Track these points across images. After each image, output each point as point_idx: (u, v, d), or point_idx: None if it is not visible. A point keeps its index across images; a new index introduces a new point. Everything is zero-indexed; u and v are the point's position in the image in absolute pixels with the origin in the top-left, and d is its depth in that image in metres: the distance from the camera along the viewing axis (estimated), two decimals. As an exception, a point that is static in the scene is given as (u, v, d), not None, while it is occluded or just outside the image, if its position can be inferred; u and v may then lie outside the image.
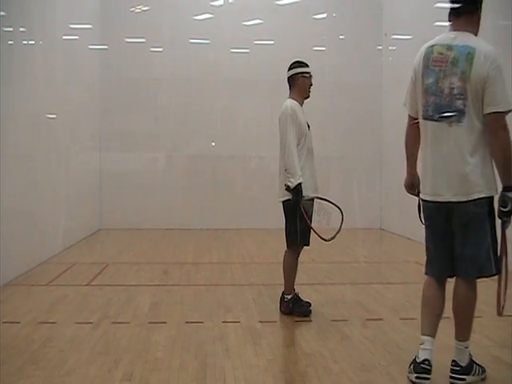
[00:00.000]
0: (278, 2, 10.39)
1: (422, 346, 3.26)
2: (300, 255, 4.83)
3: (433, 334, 3.28)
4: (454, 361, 3.29)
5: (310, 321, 4.60)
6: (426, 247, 3.44)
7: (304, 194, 4.51)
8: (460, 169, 3.16)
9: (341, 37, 10.31)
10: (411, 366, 3.28)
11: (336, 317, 4.69)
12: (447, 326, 3.42)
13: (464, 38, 3.20)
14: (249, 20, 10.25)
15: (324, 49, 10.25)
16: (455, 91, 3.15)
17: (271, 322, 4.56)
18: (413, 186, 3.51)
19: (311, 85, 4.78)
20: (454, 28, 3.28)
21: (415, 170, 3.49)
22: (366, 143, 10.29)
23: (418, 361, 3.24)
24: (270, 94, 9.52)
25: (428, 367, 3.21)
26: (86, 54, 9.32)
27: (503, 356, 3.76)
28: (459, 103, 3.15)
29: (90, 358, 3.72)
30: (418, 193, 3.47)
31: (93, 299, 5.28)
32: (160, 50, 10.13)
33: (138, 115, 10.17)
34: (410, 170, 3.53)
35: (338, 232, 4.71)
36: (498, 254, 3.24)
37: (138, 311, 4.86)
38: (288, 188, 4.50)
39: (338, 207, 4.73)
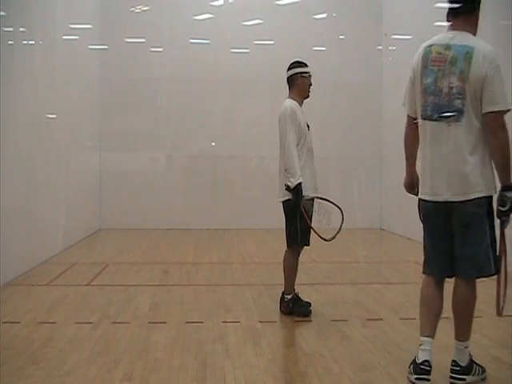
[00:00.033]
0: (277, 2, 10.39)
1: (421, 347, 3.25)
2: (300, 255, 4.83)
3: (432, 335, 3.28)
4: (454, 361, 3.29)
5: (310, 321, 4.60)
6: (424, 247, 3.43)
7: (304, 193, 4.51)
8: (459, 168, 3.16)
9: (341, 37, 10.30)
10: (411, 367, 3.28)
11: (336, 317, 4.69)
12: (447, 326, 3.42)
13: (462, 38, 3.21)
14: (249, 20, 10.25)
15: (324, 49, 10.25)
16: (454, 91, 3.15)
17: (271, 322, 4.56)
18: (412, 186, 3.51)
19: (311, 85, 4.77)
20: (453, 28, 3.28)
21: (414, 170, 3.49)
22: (365, 143, 10.29)
23: (417, 362, 3.23)
24: (269, 94, 9.52)
25: (428, 368, 3.21)
26: (86, 54, 9.32)
27: (503, 356, 3.76)
28: (458, 103, 3.15)
29: (90, 358, 3.72)
30: (418, 192, 3.47)
31: (93, 299, 5.28)
32: (160, 50, 10.13)
33: (138, 115, 10.17)
34: (410, 170, 3.53)
35: (338, 232, 4.71)
36: (497, 253, 3.24)
37: (138, 311, 4.86)
38: (288, 188, 4.51)
39: (339, 207, 4.73)
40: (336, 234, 4.70)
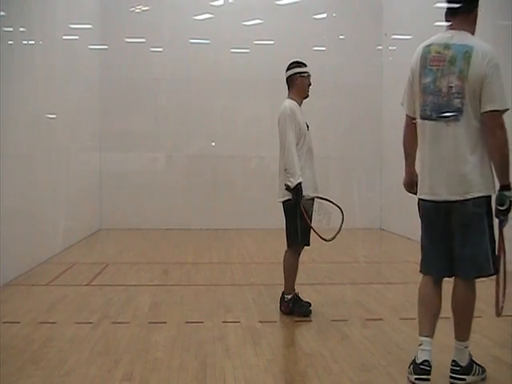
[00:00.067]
0: (277, 2, 10.39)
1: (420, 347, 3.25)
2: (300, 255, 4.83)
3: (431, 335, 3.28)
4: (453, 361, 3.28)
5: (310, 321, 4.60)
6: (422, 246, 3.43)
7: (304, 193, 4.51)
8: (459, 168, 3.16)
9: (341, 37, 10.30)
10: (411, 367, 3.27)
11: (336, 317, 4.69)
12: (447, 326, 3.42)
13: (461, 37, 3.21)
14: (249, 20, 10.25)
15: (324, 49, 10.25)
16: (453, 90, 3.15)
17: (271, 322, 4.56)
18: (412, 185, 3.51)
19: (310, 84, 4.78)
20: (451, 27, 3.28)
21: (414, 169, 3.50)
22: (365, 143, 10.29)
23: (417, 362, 3.23)
24: (269, 94, 9.51)
25: (427, 368, 3.20)
26: (86, 54, 9.32)
27: (503, 356, 3.76)
28: (457, 102, 3.15)
29: (90, 358, 3.72)
30: (417, 192, 3.47)
31: (93, 299, 5.28)
32: (160, 50, 10.12)
33: (138, 115, 10.17)
34: (409, 170, 3.53)
35: (338, 232, 4.72)
36: (496, 253, 3.24)
37: (138, 311, 4.86)
38: (288, 188, 4.51)
39: (339, 207, 4.73)
40: (336, 234, 4.70)
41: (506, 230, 3.24)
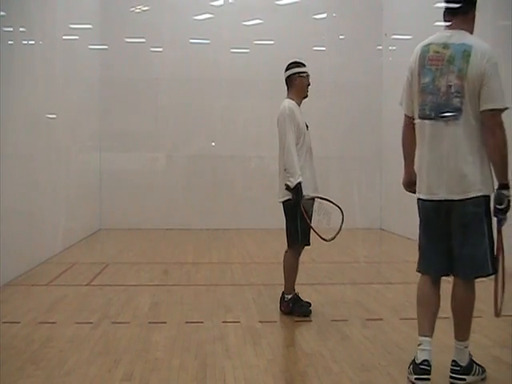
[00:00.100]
0: (277, 2, 10.39)
1: (420, 347, 3.25)
2: (300, 255, 4.83)
3: (430, 334, 3.27)
4: (453, 361, 3.28)
5: (310, 321, 4.60)
6: (420, 245, 3.43)
7: (304, 193, 4.51)
8: (459, 167, 3.16)
9: (341, 37, 10.30)
10: (410, 367, 3.27)
11: (336, 317, 4.69)
12: (447, 326, 3.42)
13: (460, 37, 3.21)
14: (249, 20, 10.25)
15: (324, 49, 10.25)
16: (452, 89, 3.15)
17: (271, 322, 4.56)
18: (411, 185, 3.51)
19: (309, 84, 4.78)
20: (450, 27, 3.29)
21: (413, 169, 3.50)
22: (365, 143, 10.29)
23: (417, 362, 3.23)
24: (269, 94, 9.49)
25: (427, 368, 3.20)
26: (85, 54, 9.32)
27: (503, 356, 3.75)
28: (456, 101, 3.15)
29: (90, 358, 3.72)
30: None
31: (93, 299, 5.28)
32: (160, 50, 10.13)
33: (138, 115, 10.17)
34: (408, 169, 3.53)
35: (338, 232, 4.71)
36: (495, 253, 3.24)
37: (138, 311, 4.86)
38: (288, 187, 4.51)
39: (339, 207, 4.73)
40: (336, 234, 4.69)
41: (503, 228, 3.24)
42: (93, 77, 9.74)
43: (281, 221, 4.81)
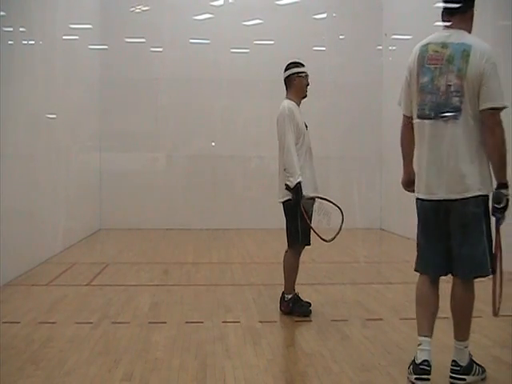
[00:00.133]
0: (277, 2, 10.39)
1: (419, 347, 3.25)
2: (301, 255, 4.83)
3: (430, 335, 3.27)
4: (453, 361, 3.28)
5: (310, 321, 4.60)
6: (418, 244, 3.43)
7: (304, 192, 4.51)
8: (458, 167, 3.16)
9: (341, 37, 10.30)
10: (410, 367, 3.27)
11: (336, 317, 4.69)
12: (447, 326, 3.42)
13: (459, 36, 3.21)
14: (249, 20, 10.25)
15: (324, 49, 10.25)
16: (452, 89, 3.15)
17: (271, 322, 4.56)
18: (410, 184, 3.51)
19: (308, 84, 4.78)
20: (448, 26, 3.29)
21: (411, 168, 3.50)
22: (365, 143, 10.30)
23: (417, 362, 3.23)
24: (269, 94, 9.47)
25: (427, 368, 3.20)
26: (86, 54, 9.32)
27: (503, 356, 3.75)
28: (456, 100, 3.15)
29: (90, 358, 3.72)
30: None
31: (93, 299, 5.28)
32: (160, 50, 10.12)
33: (138, 115, 10.17)
34: (407, 169, 3.53)
35: (338, 233, 4.71)
36: (493, 252, 3.24)
37: (138, 311, 4.86)
38: (288, 187, 4.51)
39: (339, 207, 4.73)
40: (336, 234, 4.69)
41: (501, 227, 3.24)
42: (93, 77, 9.74)
43: (281, 221, 4.81)
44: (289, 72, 4.77)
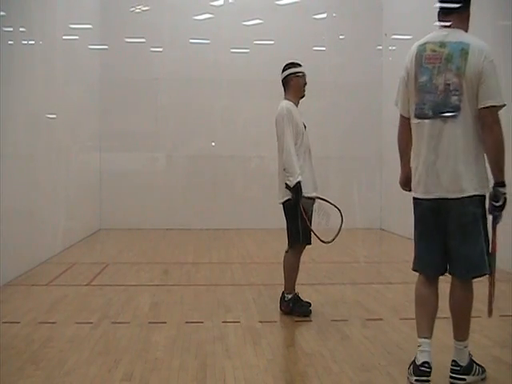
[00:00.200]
0: (277, 2, 10.39)
1: (419, 349, 3.25)
2: (301, 255, 4.83)
3: (429, 336, 3.27)
4: (453, 361, 3.28)
5: (310, 321, 4.60)
6: (416, 244, 3.43)
7: (304, 192, 4.52)
8: (456, 166, 3.16)
9: (341, 37, 10.30)
10: (410, 368, 3.27)
11: (336, 317, 4.69)
12: (447, 326, 3.42)
13: (456, 35, 3.21)
14: (249, 20, 10.25)
15: (324, 49, 10.25)
16: (451, 87, 3.15)
17: (271, 322, 4.56)
18: (408, 183, 3.51)
19: (305, 84, 4.79)
20: (446, 26, 3.29)
21: (409, 168, 3.50)
22: (365, 143, 10.29)
23: (417, 363, 3.23)
24: (270, 94, 9.40)
25: (427, 370, 3.20)
26: (85, 53, 9.32)
27: (503, 356, 3.76)
28: (455, 99, 3.15)
29: (90, 358, 3.72)
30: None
31: (93, 299, 5.28)
32: (160, 50, 10.12)
33: (138, 115, 10.17)
34: (404, 169, 3.53)
35: (337, 234, 4.71)
36: (490, 251, 3.24)
37: (138, 311, 4.86)
38: (288, 187, 4.52)
39: (338, 209, 4.73)
40: (335, 236, 4.70)
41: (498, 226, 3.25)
42: (93, 77, 9.74)
43: (281, 221, 4.81)
44: (286, 73, 4.79)
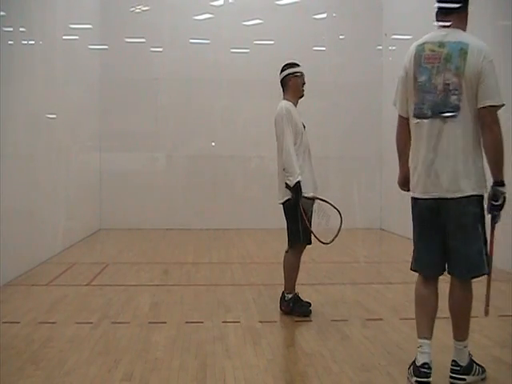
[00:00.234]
0: (277, 2, 10.39)
1: (419, 350, 3.25)
2: (302, 254, 4.83)
3: (429, 337, 3.27)
4: (453, 361, 3.29)
5: (310, 321, 4.60)
6: (415, 244, 3.43)
7: (303, 192, 4.52)
8: (455, 166, 3.16)
9: (341, 37, 10.30)
10: (411, 369, 3.28)
11: (336, 317, 4.69)
12: (447, 326, 3.42)
13: (455, 35, 3.22)
14: (249, 20, 10.25)
15: (324, 49, 10.25)
16: (450, 87, 3.15)
17: (271, 322, 4.56)
18: (406, 183, 3.51)
19: (304, 83, 4.80)
20: (444, 26, 3.29)
21: (407, 168, 3.50)
22: (365, 143, 10.29)
23: (417, 364, 3.23)
24: (270, 94, 9.39)
25: (428, 371, 3.20)
26: (85, 54, 9.32)
27: (503, 356, 3.76)
28: (454, 99, 3.15)
29: (90, 358, 3.72)
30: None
31: (93, 299, 5.28)
32: (160, 50, 10.12)
33: (138, 115, 10.17)
34: (403, 168, 3.53)
35: (336, 235, 4.71)
36: (488, 250, 3.24)
37: (138, 311, 4.86)
38: (288, 186, 4.52)
39: (337, 210, 4.73)
40: (334, 237, 4.70)
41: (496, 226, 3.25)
42: (93, 77, 9.74)
43: (281, 221, 4.81)
44: (284, 73, 4.81)
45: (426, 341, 3.25)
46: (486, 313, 3.30)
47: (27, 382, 3.31)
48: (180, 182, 10.25)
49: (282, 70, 4.82)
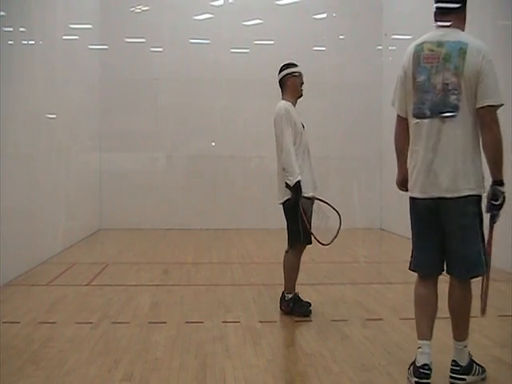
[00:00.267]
0: (277, 2, 10.39)
1: (419, 350, 3.25)
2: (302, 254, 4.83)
3: (429, 337, 3.27)
4: (453, 361, 3.29)
5: (310, 321, 4.60)
6: (413, 244, 3.43)
7: (303, 191, 4.52)
8: (454, 166, 3.16)
9: (341, 37, 10.30)
10: (411, 369, 3.28)
11: (336, 317, 4.69)
12: (447, 326, 3.42)
13: (454, 35, 3.22)
14: (249, 20, 10.25)
15: (324, 49, 10.25)
16: (450, 87, 3.15)
17: (271, 322, 4.56)
18: (405, 183, 3.51)
19: (302, 83, 4.80)
20: (443, 25, 3.29)
21: (406, 168, 3.49)
22: (365, 143, 10.29)
23: (417, 365, 3.23)
24: (270, 94, 9.38)
25: (427, 372, 3.20)
26: (85, 53, 9.32)
27: (503, 356, 3.76)
28: (453, 98, 3.15)
29: (90, 358, 3.72)
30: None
31: (93, 299, 5.28)
32: (160, 49, 10.13)
33: (138, 115, 10.17)
34: (401, 169, 3.52)
35: (335, 236, 4.71)
36: (487, 250, 3.24)
37: (138, 311, 4.86)
38: (288, 186, 4.52)
39: (337, 211, 4.72)
40: (334, 238, 4.70)
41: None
42: (93, 77, 9.74)
43: (281, 221, 4.81)
44: (282, 73, 4.82)
45: (425, 342, 3.25)
46: (483, 312, 3.29)
47: (27, 382, 3.31)
48: (180, 182, 10.25)
49: (281, 71, 4.84)
